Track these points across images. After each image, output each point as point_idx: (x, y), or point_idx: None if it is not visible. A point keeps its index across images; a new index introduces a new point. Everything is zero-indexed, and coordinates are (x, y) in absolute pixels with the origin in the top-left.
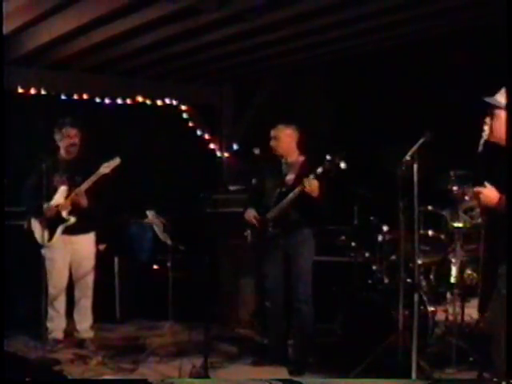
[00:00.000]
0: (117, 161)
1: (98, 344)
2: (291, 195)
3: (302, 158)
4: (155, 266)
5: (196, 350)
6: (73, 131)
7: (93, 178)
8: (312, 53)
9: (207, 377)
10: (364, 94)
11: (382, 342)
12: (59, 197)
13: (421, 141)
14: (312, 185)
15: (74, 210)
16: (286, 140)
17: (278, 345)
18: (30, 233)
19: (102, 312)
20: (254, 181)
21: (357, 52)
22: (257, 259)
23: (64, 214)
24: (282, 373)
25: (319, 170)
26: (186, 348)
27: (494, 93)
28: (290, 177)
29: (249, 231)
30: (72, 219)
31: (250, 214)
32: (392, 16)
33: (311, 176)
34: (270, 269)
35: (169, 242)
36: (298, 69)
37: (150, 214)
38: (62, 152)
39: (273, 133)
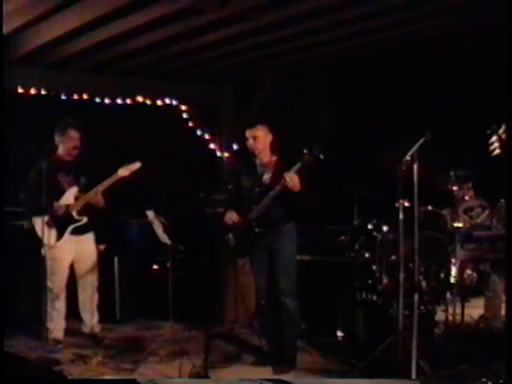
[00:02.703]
0: (137, 165)
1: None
2: (272, 193)
3: (274, 158)
4: (155, 266)
5: (196, 350)
6: (76, 134)
7: (111, 180)
8: (312, 52)
9: (207, 377)
10: (364, 94)
11: (382, 341)
12: (68, 197)
13: (421, 141)
14: (293, 180)
15: (83, 210)
16: (263, 140)
17: (278, 343)
18: (31, 232)
19: (102, 312)
20: (230, 184)
21: (357, 52)
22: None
23: (74, 214)
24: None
25: (298, 164)
26: (186, 348)
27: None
28: (267, 176)
29: (230, 235)
30: (84, 219)
31: (232, 217)
32: (392, 16)
33: (291, 171)
34: (257, 268)
35: (169, 242)
36: (299, 69)
37: (149, 214)
38: (63, 153)
39: (250, 133)
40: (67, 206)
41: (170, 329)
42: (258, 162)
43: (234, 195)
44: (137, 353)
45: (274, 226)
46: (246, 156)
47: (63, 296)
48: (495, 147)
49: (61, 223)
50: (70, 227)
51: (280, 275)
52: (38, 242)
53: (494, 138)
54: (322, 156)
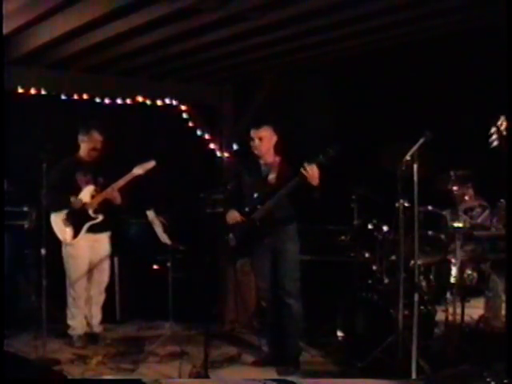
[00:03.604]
0: (151, 163)
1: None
2: (288, 186)
3: (278, 159)
4: (155, 266)
5: (196, 350)
6: (98, 136)
7: (127, 178)
8: (312, 53)
9: (207, 377)
10: (364, 94)
11: (382, 341)
12: (85, 195)
13: (421, 141)
14: (313, 171)
15: (99, 208)
16: (269, 141)
17: (278, 344)
18: (31, 232)
19: (102, 312)
20: (230, 183)
21: (357, 52)
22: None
23: (90, 212)
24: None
25: (320, 157)
26: (186, 348)
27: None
28: (272, 176)
29: (231, 235)
30: (100, 217)
31: (234, 216)
32: (392, 16)
33: (312, 164)
34: (259, 269)
35: (169, 242)
36: (298, 69)
37: (149, 214)
38: (83, 153)
39: (256, 133)
40: (84, 204)
41: (170, 329)
42: (262, 162)
43: (235, 194)
44: (137, 353)
45: (278, 227)
46: (249, 155)
47: (84, 294)
48: (493, 139)
49: (77, 221)
50: (86, 225)
51: (285, 276)
52: (39, 242)
53: (493, 129)
54: (334, 155)
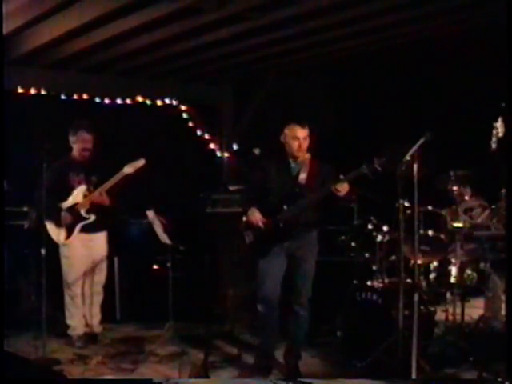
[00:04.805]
0: (141, 162)
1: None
2: (322, 191)
3: (308, 156)
4: (155, 266)
5: (196, 350)
6: (87, 136)
7: (116, 178)
8: (312, 53)
9: (207, 377)
10: (364, 94)
11: (382, 341)
12: (77, 195)
13: (421, 141)
14: (343, 187)
15: (92, 208)
16: (308, 140)
17: (271, 349)
18: (31, 232)
19: (102, 312)
20: (252, 179)
21: (357, 52)
22: (255, 261)
23: (82, 212)
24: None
25: (363, 167)
26: (186, 348)
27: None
28: (303, 176)
29: (249, 232)
30: (92, 217)
31: (256, 215)
32: (392, 16)
33: (343, 179)
34: (270, 271)
35: (169, 242)
36: (298, 69)
37: (149, 214)
38: (75, 154)
39: (302, 132)
40: (75, 205)
41: (170, 329)
42: (292, 160)
43: (258, 192)
44: (137, 353)
45: (301, 231)
46: (276, 153)
47: (80, 293)
48: (493, 141)
49: (70, 221)
50: (79, 225)
51: (301, 286)
52: (39, 242)
53: (494, 131)
54: (379, 169)
